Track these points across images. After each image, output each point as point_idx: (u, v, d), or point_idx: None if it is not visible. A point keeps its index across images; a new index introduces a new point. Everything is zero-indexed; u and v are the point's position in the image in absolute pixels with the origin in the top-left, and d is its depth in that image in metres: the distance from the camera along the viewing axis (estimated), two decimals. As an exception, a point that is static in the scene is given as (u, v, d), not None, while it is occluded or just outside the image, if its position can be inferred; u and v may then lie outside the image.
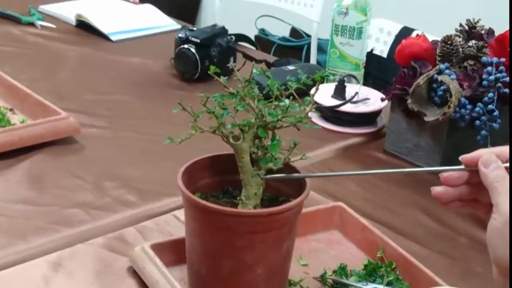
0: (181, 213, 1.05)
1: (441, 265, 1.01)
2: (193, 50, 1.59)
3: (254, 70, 0.85)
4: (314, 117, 1.43)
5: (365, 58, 1.57)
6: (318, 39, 2.50)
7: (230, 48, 1.63)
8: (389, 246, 0.98)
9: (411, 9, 2.78)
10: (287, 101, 0.83)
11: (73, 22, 1.97)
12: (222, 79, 0.83)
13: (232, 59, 1.60)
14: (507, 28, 1.22)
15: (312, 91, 0.87)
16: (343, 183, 1.22)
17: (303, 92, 0.86)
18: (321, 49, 2.51)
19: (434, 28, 1.62)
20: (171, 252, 0.94)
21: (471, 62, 1.23)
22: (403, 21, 2.11)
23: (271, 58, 1.77)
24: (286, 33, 2.96)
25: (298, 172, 0.87)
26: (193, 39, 1.61)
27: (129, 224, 1.06)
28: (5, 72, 1.48)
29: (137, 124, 1.41)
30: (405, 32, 2.00)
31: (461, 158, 0.74)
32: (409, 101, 1.23)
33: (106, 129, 1.37)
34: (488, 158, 0.71)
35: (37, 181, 1.16)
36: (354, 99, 1.41)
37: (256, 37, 2.86)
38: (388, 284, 0.92)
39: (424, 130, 1.28)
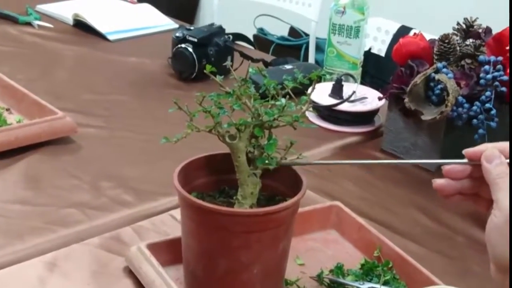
0: (177, 213, 1.04)
1: (438, 264, 1.01)
2: (190, 49, 1.59)
3: (250, 69, 0.85)
4: (312, 116, 1.43)
5: (362, 57, 1.57)
6: (317, 38, 2.50)
7: (227, 47, 1.63)
8: (386, 245, 0.97)
9: (409, 8, 2.78)
10: (283, 100, 0.83)
11: (71, 22, 1.96)
12: (218, 78, 0.83)
13: (229, 58, 1.60)
14: (504, 26, 1.22)
15: (309, 90, 0.87)
16: (339, 182, 1.21)
17: (300, 92, 0.86)
18: (319, 48, 2.51)
19: (432, 26, 1.62)
20: (167, 252, 0.93)
21: (469, 61, 1.23)
22: (401, 20, 2.10)
23: (269, 58, 1.76)
24: (284, 32, 2.96)
25: (294, 171, 0.86)
26: (190, 38, 1.60)
27: (126, 224, 1.06)
28: (2, 72, 1.48)
29: (134, 123, 1.40)
30: (403, 31, 2.00)
31: (464, 151, 0.74)
32: (406, 100, 1.23)
33: (103, 129, 1.37)
34: (491, 154, 0.71)
35: (34, 181, 1.16)
36: (352, 98, 1.41)
37: (254, 36, 2.86)
38: (384, 283, 0.92)
39: (421, 129, 1.27)
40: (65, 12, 2.01)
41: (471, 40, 1.25)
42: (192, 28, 1.65)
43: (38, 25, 1.95)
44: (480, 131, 1.18)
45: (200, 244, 0.85)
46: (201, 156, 0.90)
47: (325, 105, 1.41)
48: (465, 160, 0.74)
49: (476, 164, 0.72)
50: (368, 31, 1.88)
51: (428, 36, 1.30)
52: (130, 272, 0.94)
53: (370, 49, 2.08)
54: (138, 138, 1.34)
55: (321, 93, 1.43)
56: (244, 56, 1.64)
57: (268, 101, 0.84)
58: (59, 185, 1.15)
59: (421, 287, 0.85)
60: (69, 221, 1.05)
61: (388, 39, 2.07)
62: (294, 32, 2.94)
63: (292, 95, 0.84)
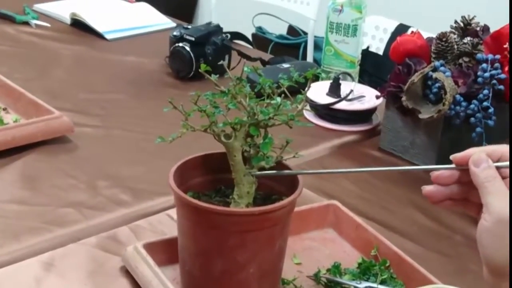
0: (174, 212, 1.03)
1: (436, 263, 1.01)
2: (187, 48, 1.59)
3: (246, 68, 0.85)
4: (309, 115, 1.43)
5: (360, 56, 1.57)
6: (315, 37, 2.50)
7: (225, 46, 1.62)
8: (383, 244, 0.97)
9: (407, 6, 2.78)
10: (278, 99, 0.82)
11: (68, 21, 1.96)
12: (213, 77, 0.83)
13: (226, 57, 1.59)
14: (502, 25, 1.21)
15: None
16: (337, 181, 1.21)
17: (297, 90, 0.86)
18: (318, 47, 2.50)
19: (430, 25, 1.61)
20: (164, 252, 0.93)
21: (466, 59, 1.22)
22: (399, 18, 2.10)
23: (267, 56, 1.76)
24: (283, 31, 2.95)
25: (290, 170, 0.86)
26: (188, 37, 1.60)
27: (122, 224, 1.05)
28: (-1, 71, 1.48)
29: (131, 123, 1.40)
30: (401, 29, 1.99)
31: (452, 157, 0.74)
32: (404, 98, 1.23)
33: (99, 128, 1.36)
34: (479, 158, 0.71)
35: (30, 180, 1.16)
36: (349, 97, 1.41)
37: (253, 35, 2.85)
38: (382, 282, 0.92)
39: (419, 128, 1.27)
40: (62, 11, 2.00)
41: (468, 38, 1.25)
42: (189, 27, 1.64)
43: (36, 24, 1.94)
44: (478, 129, 1.18)
45: (196, 243, 0.84)
46: (197, 156, 0.90)
47: (322, 103, 1.41)
48: (453, 166, 0.74)
49: (464, 169, 0.72)
50: (366, 29, 1.88)
51: (425, 35, 1.30)
52: (126, 272, 0.93)
53: (368, 47, 2.08)
54: (135, 137, 1.34)
55: (318, 92, 1.43)
56: (242, 55, 1.63)
57: (263, 100, 0.83)
58: (56, 185, 1.15)
59: (418, 286, 0.85)
60: (65, 221, 1.05)
61: (386, 37, 2.06)
62: (292, 30, 2.93)
63: (288, 94, 0.84)
